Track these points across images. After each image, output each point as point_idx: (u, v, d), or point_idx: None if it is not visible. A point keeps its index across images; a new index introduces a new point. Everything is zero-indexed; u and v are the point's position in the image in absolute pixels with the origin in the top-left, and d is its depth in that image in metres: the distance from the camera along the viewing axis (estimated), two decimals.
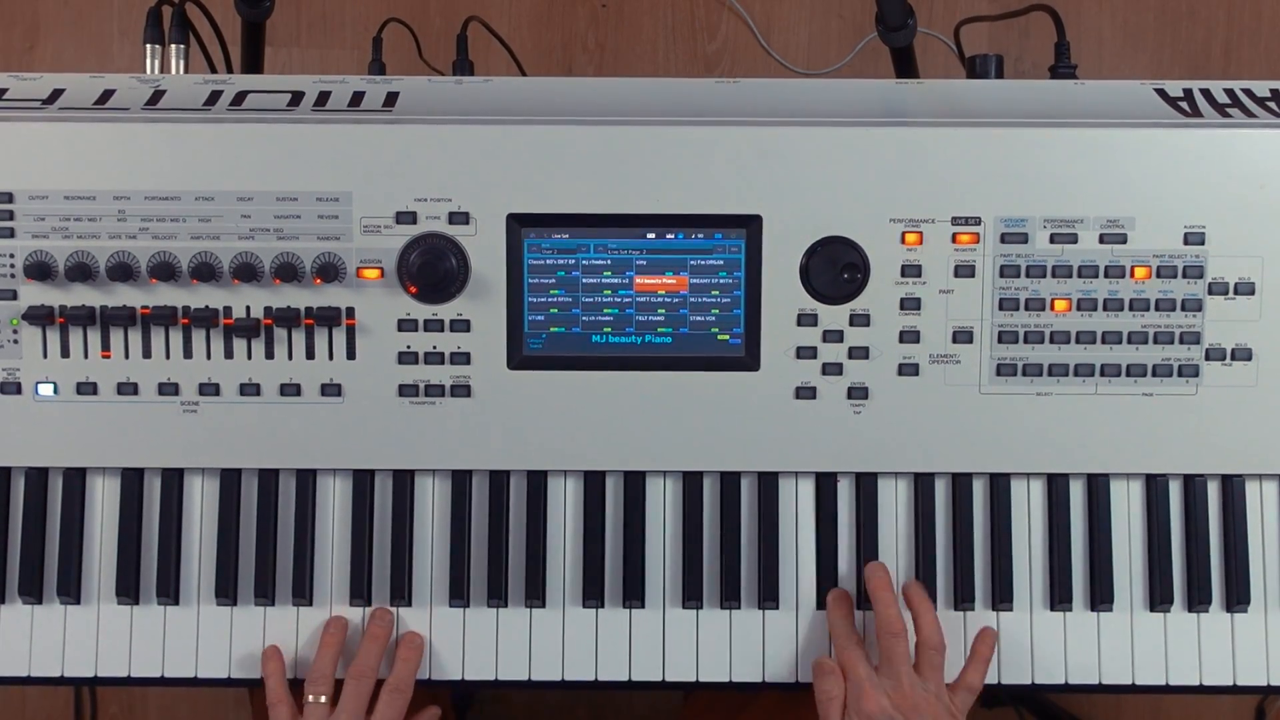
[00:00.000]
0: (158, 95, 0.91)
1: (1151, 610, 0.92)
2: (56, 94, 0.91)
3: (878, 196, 0.88)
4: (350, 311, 0.89)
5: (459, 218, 0.88)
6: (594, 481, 0.93)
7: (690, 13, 1.67)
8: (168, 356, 0.89)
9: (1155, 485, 0.92)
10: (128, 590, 0.91)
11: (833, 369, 0.90)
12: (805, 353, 0.89)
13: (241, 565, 0.92)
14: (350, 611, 0.92)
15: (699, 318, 0.90)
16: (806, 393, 0.90)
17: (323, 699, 0.88)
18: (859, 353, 0.89)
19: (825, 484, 0.92)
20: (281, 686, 0.90)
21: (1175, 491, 0.93)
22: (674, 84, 0.94)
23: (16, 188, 0.88)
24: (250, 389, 0.90)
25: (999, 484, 0.92)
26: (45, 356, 0.89)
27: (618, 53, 1.67)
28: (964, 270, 0.89)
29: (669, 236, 0.89)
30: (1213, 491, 0.93)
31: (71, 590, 0.91)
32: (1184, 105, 0.91)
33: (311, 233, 0.88)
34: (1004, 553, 0.92)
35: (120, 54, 1.66)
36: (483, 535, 0.92)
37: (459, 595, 0.91)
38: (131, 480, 0.92)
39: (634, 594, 0.92)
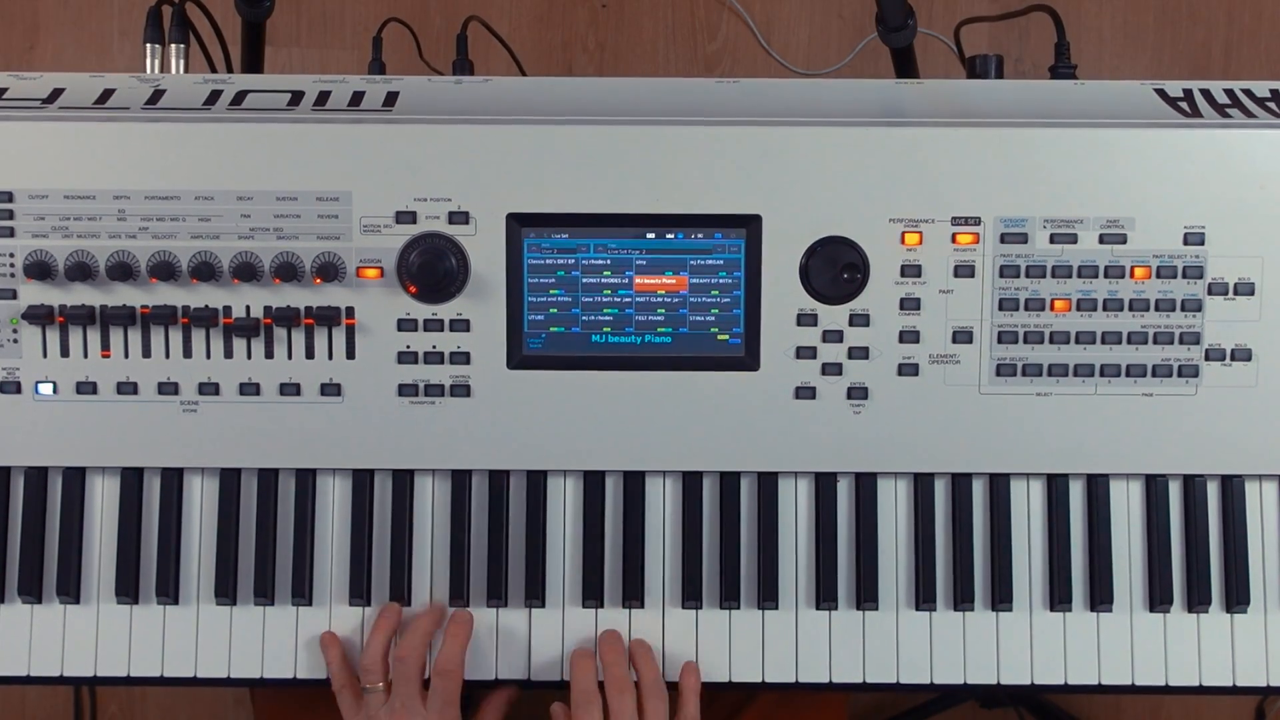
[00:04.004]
0: (158, 95, 0.91)
1: (1151, 611, 0.92)
2: (56, 94, 0.91)
3: (878, 196, 0.88)
4: (350, 311, 0.89)
5: (459, 217, 0.88)
6: (594, 481, 0.92)
7: (690, 13, 1.67)
8: (167, 356, 0.89)
9: (1155, 485, 0.92)
10: (127, 590, 0.91)
11: (832, 369, 0.90)
12: (805, 353, 0.89)
13: (241, 565, 0.92)
14: (350, 612, 0.92)
15: (699, 318, 0.90)
16: (806, 393, 0.90)
17: (379, 685, 0.88)
18: (859, 353, 0.89)
19: (825, 484, 0.92)
20: (344, 672, 0.90)
21: (1175, 492, 0.93)
22: (674, 84, 0.94)
23: (16, 187, 0.88)
24: (250, 389, 0.90)
25: (999, 484, 0.92)
26: (45, 356, 0.89)
27: (618, 53, 1.67)
28: (964, 270, 0.89)
29: (669, 236, 0.89)
30: (1212, 492, 0.93)
31: (71, 590, 0.91)
32: (1184, 105, 0.91)
33: (311, 232, 0.88)
34: (1004, 553, 0.92)
35: (120, 54, 1.66)
36: (482, 535, 0.92)
37: (459, 595, 0.91)
38: (131, 480, 0.92)
39: (634, 594, 0.92)
